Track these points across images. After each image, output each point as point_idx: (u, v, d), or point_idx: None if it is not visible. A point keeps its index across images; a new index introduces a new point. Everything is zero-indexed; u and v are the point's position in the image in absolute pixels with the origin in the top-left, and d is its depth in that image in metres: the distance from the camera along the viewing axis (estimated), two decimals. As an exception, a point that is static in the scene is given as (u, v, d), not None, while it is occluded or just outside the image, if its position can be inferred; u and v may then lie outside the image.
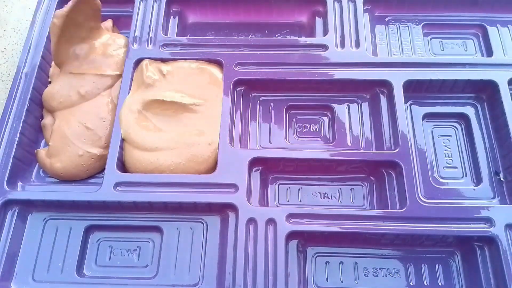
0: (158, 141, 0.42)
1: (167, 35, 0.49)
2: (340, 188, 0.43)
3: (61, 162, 0.42)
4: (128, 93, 0.44)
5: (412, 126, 0.45)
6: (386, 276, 0.39)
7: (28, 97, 0.44)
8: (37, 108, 0.45)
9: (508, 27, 0.50)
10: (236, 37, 0.51)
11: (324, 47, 0.46)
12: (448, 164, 0.43)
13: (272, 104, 0.47)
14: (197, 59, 0.46)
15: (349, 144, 0.44)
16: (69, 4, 0.40)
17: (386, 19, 0.51)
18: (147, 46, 0.47)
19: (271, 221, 0.38)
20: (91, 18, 0.44)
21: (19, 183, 0.42)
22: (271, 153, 0.42)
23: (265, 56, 0.46)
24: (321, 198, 0.42)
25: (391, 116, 0.44)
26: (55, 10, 0.49)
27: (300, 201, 0.42)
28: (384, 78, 0.44)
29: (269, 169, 0.43)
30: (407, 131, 0.42)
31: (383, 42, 0.50)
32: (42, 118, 0.46)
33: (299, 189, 0.43)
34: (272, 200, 0.42)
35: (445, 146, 0.44)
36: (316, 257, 0.39)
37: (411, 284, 0.38)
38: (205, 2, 0.52)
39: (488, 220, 0.37)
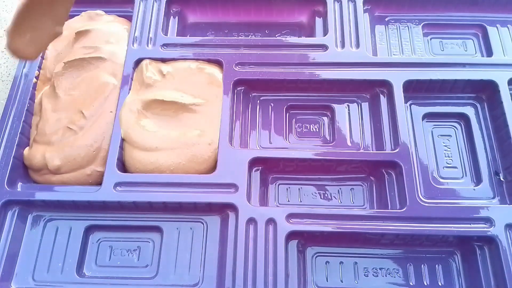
0: (158, 141, 0.42)
1: (167, 35, 0.49)
2: (340, 188, 0.43)
3: (62, 177, 0.42)
4: (128, 93, 0.44)
5: (412, 126, 0.45)
6: (386, 276, 0.39)
7: (28, 97, 0.44)
8: (37, 108, 0.45)
9: (508, 27, 0.50)
10: (236, 37, 0.51)
11: (324, 47, 0.46)
12: (448, 164, 0.43)
13: (272, 104, 0.47)
14: (197, 59, 0.46)
15: (349, 144, 0.44)
16: None
17: (386, 19, 0.51)
18: (147, 46, 0.47)
19: (271, 221, 0.38)
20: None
21: (19, 183, 0.42)
22: (271, 153, 0.42)
23: (265, 56, 0.46)
24: (321, 198, 0.42)
25: (391, 116, 0.44)
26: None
27: (300, 201, 0.42)
28: (384, 78, 0.44)
29: (269, 169, 0.43)
30: (407, 131, 0.42)
31: (383, 42, 0.50)
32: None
33: (299, 189, 0.43)
34: (272, 200, 0.42)
35: (445, 146, 0.44)
36: (316, 257, 0.39)
37: (411, 284, 0.38)
38: (205, 2, 0.52)
39: (488, 220, 0.37)
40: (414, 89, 0.45)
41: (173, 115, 0.43)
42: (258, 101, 0.47)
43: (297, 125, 0.46)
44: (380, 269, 0.39)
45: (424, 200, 0.39)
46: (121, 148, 0.42)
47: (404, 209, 0.38)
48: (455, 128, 0.45)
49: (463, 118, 0.45)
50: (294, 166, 0.42)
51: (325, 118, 0.46)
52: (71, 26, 0.48)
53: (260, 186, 0.42)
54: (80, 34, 0.46)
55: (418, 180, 0.41)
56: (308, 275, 0.39)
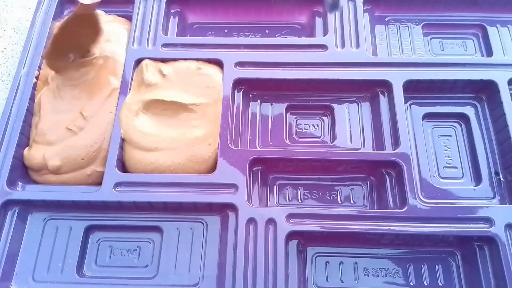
0: (158, 141, 0.42)
1: (167, 35, 0.49)
2: (340, 188, 0.43)
3: (62, 177, 0.42)
4: (128, 93, 0.44)
5: (412, 126, 0.45)
6: (386, 276, 0.39)
7: (28, 97, 0.44)
8: (37, 108, 0.45)
9: (508, 27, 0.50)
10: (236, 37, 0.51)
11: (324, 47, 0.46)
12: (448, 164, 0.43)
13: (272, 104, 0.47)
14: (197, 59, 0.46)
15: (349, 144, 0.44)
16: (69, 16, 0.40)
17: (386, 19, 0.51)
18: (147, 46, 0.47)
19: (271, 221, 0.38)
20: (89, 41, 0.44)
21: (19, 183, 0.42)
22: (271, 153, 0.42)
23: (265, 56, 0.46)
24: (321, 198, 0.42)
25: (391, 116, 0.44)
26: (54, 11, 0.49)
27: (300, 201, 0.42)
28: (384, 78, 0.44)
29: (269, 169, 0.43)
30: (407, 131, 0.42)
31: (383, 42, 0.50)
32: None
33: (299, 189, 0.43)
34: (272, 200, 0.42)
35: (445, 146, 0.44)
36: (316, 257, 0.39)
37: (411, 284, 0.38)
38: (205, 2, 0.52)
39: (488, 220, 0.37)
40: (414, 89, 0.45)
41: (173, 115, 0.43)
42: (258, 101, 0.47)
43: (297, 125, 0.46)
44: (380, 269, 0.39)
45: (424, 200, 0.39)
46: (121, 148, 0.42)
47: (404, 209, 0.38)
48: (455, 128, 0.45)
49: (463, 118, 0.45)
50: (294, 166, 0.42)
51: (325, 118, 0.46)
52: None
53: (260, 186, 0.42)
54: None
55: (418, 180, 0.41)
56: (308, 275, 0.39)
